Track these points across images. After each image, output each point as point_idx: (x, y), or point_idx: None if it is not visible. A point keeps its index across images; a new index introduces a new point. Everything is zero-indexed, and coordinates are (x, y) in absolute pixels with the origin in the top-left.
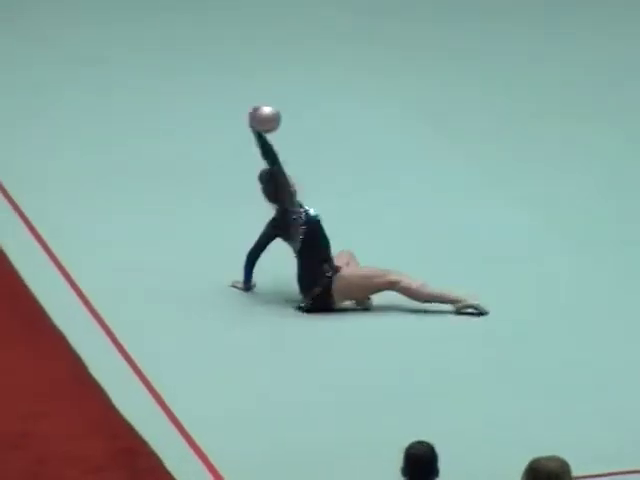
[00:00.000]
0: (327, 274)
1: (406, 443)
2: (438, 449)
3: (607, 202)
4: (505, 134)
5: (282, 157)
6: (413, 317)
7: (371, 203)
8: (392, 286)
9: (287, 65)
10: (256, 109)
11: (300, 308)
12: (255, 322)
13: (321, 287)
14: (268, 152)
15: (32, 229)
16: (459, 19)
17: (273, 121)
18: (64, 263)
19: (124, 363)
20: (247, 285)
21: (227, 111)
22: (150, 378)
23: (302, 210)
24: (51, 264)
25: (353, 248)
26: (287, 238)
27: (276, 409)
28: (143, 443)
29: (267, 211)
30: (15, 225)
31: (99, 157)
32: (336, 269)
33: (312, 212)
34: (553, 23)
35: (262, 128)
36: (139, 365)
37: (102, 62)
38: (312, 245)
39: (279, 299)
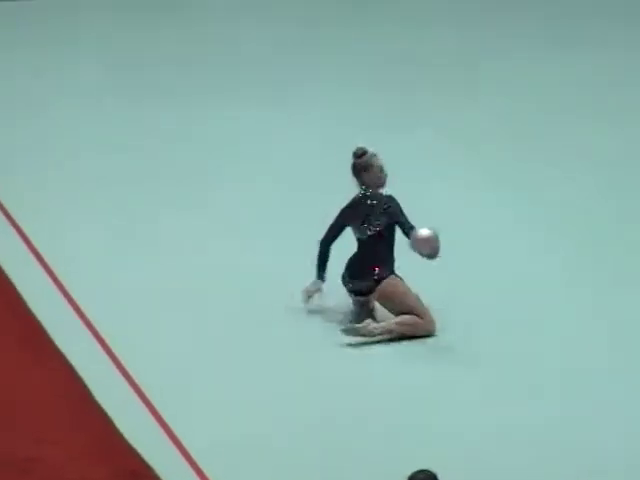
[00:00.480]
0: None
1: (409, 472)
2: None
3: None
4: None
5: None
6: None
7: None
8: (416, 315)
9: None
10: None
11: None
12: (260, 343)
13: (374, 278)
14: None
15: (31, 247)
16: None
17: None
18: (68, 286)
19: (127, 386)
20: (321, 274)
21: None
22: (154, 401)
23: (385, 196)
24: (55, 288)
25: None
26: (362, 223)
27: (281, 434)
28: (147, 467)
29: (273, 238)
30: (12, 240)
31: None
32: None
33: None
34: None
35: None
36: (142, 388)
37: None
38: (389, 231)
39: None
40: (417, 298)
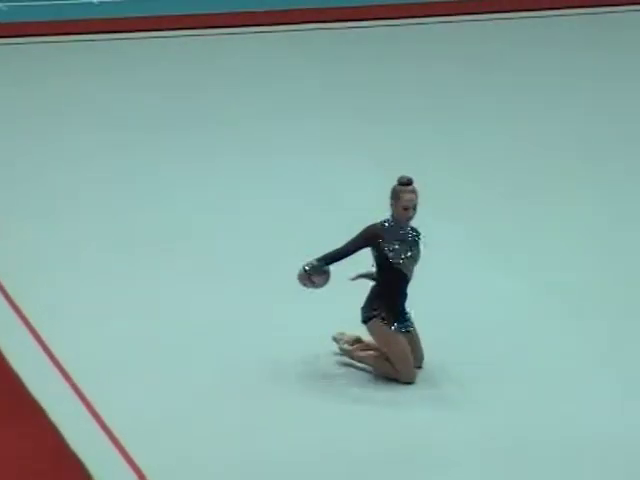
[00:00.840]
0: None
1: None
2: None
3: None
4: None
5: None
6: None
7: None
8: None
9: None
10: None
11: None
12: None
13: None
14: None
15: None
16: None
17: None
18: (48, 342)
19: (109, 443)
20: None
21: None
22: (134, 456)
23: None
24: (34, 342)
25: None
26: (383, 249)
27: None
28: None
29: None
30: None
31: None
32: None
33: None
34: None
35: None
36: (122, 442)
37: None
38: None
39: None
40: (401, 346)
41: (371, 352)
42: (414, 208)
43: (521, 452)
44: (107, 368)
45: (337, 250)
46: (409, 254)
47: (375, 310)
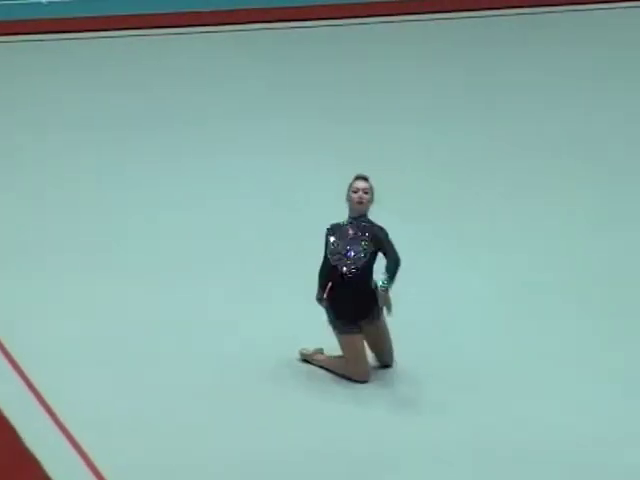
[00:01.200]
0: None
1: None
2: None
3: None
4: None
5: None
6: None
7: None
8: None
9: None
10: None
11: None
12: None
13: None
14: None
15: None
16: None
17: None
18: (3, 340)
19: (65, 441)
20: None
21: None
22: (90, 454)
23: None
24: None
25: None
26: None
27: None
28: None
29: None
30: None
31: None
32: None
33: None
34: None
35: None
36: (78, 440)
37: None
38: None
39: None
40: (351, 348)
41: (328, 356)
42: (366, 200)
43: (509, 452)
44: (62, 366)
45: (396, 260)
46: (350, 253)
47: (330, 317)
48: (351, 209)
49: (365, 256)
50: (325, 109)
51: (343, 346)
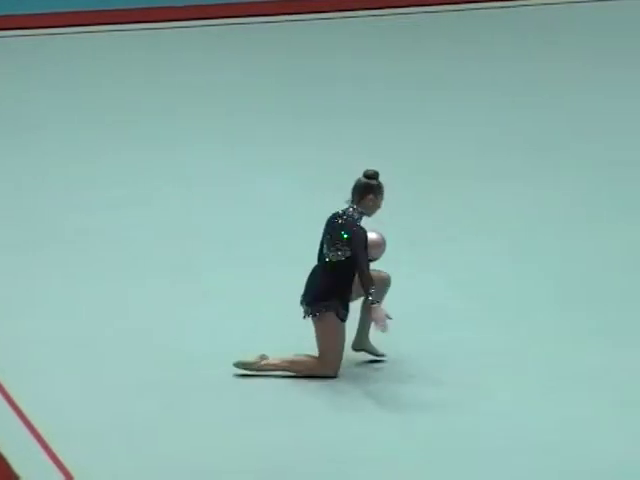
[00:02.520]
0: None
1: None
2: None
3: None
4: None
5: None
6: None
7: None
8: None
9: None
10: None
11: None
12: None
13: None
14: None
15: None
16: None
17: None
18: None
19: (34, 442)
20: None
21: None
22: (59, 454)
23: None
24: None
25: None
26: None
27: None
28: None
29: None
30: None
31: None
32: None
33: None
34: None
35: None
36: (47, 441)
37: None
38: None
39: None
40: (343, 338)
41: (281, 358)
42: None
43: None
44: (27, 366)
45: (365, 273)
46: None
47: (326, 302)
48: (369, 212)
49: None
50: (288, 104)
51: (337, 334)
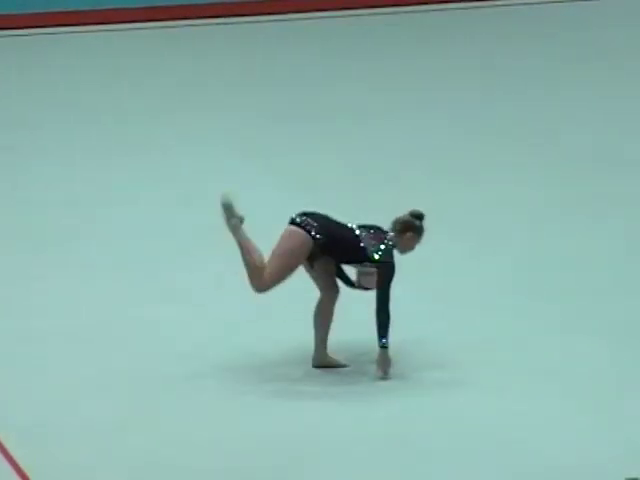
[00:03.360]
0: None
1: None
2: None
3: None
4: None
5: None
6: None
7: None
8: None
9: None
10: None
11: None
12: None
13: None
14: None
15: None
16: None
17: None
18: None
19: None
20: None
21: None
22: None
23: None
24: None
25: None
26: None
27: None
28: None
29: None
30: None
31: None
32: None
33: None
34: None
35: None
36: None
37: None
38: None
39: None
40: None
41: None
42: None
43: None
44: None
45: (384, 309)
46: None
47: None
48: (401, 248)
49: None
50: (248, 105)
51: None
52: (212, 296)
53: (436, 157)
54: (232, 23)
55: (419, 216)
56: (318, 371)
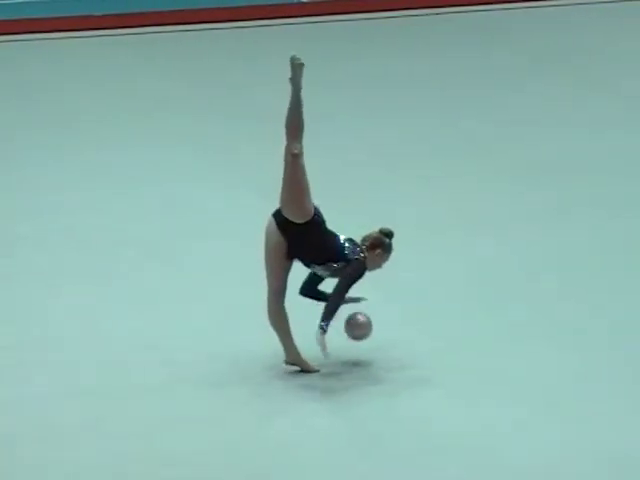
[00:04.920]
0: None
1: None
2: None
3: None
4: None
5: None
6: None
7: None
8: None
9: None
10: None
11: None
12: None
13: None
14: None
15: None
16: None
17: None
18: None
19: None
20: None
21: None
22: None
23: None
24: None
25: None
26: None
27: None
28: None
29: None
30: None
31: None
32: None
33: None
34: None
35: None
36: None
37: None
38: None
39: None
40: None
41: None
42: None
43: None
44: None
45: (339, 294)
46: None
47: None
48: (369, 264)
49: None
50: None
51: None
52: (181, 304)
53: (401, 164)
54: (193, 30)
55: (388, 234)
56: (289, 375)
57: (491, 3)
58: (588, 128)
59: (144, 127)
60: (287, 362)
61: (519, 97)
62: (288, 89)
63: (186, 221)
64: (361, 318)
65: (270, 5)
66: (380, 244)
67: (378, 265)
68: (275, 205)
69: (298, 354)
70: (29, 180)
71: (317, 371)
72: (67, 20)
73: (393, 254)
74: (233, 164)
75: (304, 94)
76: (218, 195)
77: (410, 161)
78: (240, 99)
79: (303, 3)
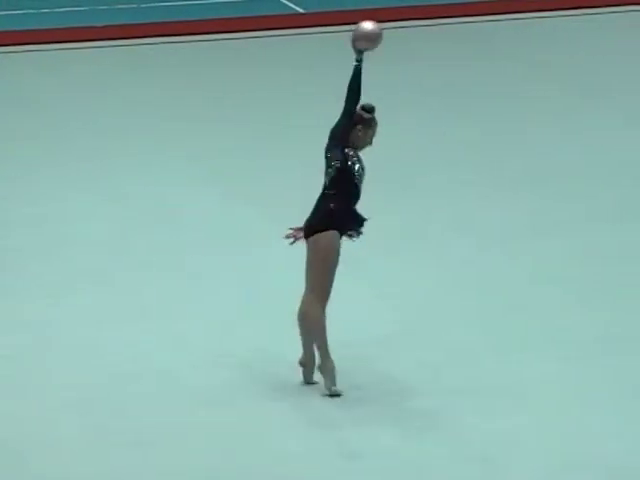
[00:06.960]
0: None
1: None
2: None
3: None
4: None
5: None
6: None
7: None
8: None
9: None
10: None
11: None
12: None
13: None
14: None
15: None
16: None
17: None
18: None
19: None
20: None
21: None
22: None
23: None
24: None
25: None
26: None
27: None
28: None
29: None
30: None
31: None
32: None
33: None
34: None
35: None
36: None
37: None
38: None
39: None
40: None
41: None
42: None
43: None
44: None
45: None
46: (362, 172)
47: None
48: (356, 144)
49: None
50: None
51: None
52: (172, 313)
53: (399, 173)
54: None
55: (369, 109)
56: (285, 387)
57: (495, 14)
58: (590, 137)
59: (148, 138)
60: (318, 368)
61: (518, 105)
62: (285, 96)
63: (183, 231)
64: (371, 26)
65: (261, 16)
66: (359, 120)
67: (367, 142)
68: (266, 213)
69: (334, 368)
70: (24, 190)
71: (339, 395)
72: (69, 31)
73: (392, 262)
74: (228, 173)
75: (311, 101)
76: (213, 204)
77: (409, 170)
78: (237, 108)
79: (300, 13)
